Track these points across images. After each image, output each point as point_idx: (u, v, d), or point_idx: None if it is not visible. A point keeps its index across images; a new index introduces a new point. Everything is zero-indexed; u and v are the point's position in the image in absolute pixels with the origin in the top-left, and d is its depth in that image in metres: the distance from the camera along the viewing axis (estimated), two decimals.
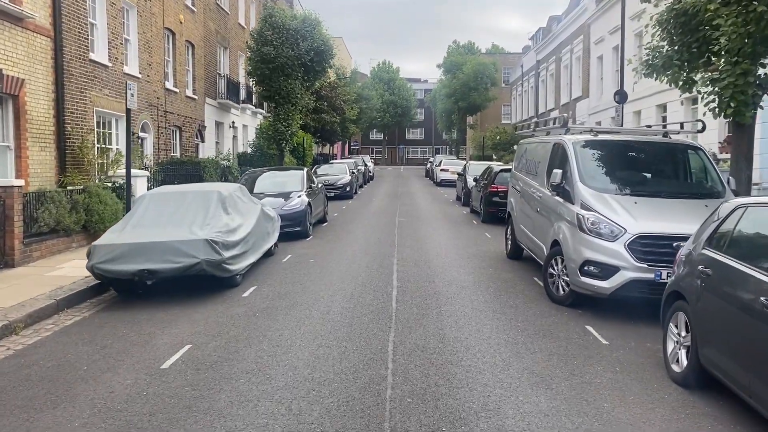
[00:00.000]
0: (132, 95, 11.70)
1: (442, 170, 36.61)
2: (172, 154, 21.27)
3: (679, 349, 5.48)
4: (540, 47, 44.63)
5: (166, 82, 20.84)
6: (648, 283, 7.20)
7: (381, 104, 69.92)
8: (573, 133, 9.54)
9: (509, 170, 18.29)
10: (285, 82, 24.46)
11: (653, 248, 7.22)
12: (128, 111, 11.87)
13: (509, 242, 11.89)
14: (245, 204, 10.69)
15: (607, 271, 7.40)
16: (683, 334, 5.45)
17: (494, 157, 38.46)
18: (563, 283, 8.20)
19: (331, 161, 36.44)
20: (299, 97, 25.22)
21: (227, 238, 8.98)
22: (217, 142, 26.94)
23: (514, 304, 8.22)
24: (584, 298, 7.88)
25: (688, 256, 5.71)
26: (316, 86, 34.57)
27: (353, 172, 29.11)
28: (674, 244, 7.14)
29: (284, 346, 6.40)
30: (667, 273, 7.09)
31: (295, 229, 14.13)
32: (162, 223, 9.14)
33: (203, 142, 24.73)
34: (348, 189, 26.98)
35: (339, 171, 28.28)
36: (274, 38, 23.92)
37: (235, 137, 29.68)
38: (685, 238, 7.10)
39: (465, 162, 39.42)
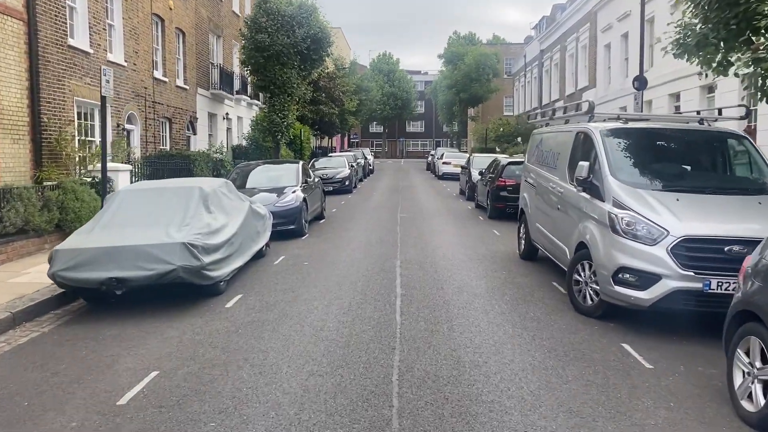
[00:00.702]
0: (108, 81, 10.62)
1: (444, 163, 35.55)
2: (161, 147, 20.20)
3: (753, 383, 4.44)
4: (544, 36, 43.44)
5: (155, 71, 19.74)
6: (695, 293, 6.16)
7: (381, 96, 68.76)
8: (598, 121, 8.48)
9: (518, 163, 17.28)
10: (280, 71, 23.33)
11: (701, 253, 6.17)
12: (103, 99, 10.80)
13: (522, 242, 10.85)
14: (231, 201, 9.64)
15: (646, 279, 6.35)
16: (758, 364, 4.42)
17: (497, 149, 37.35)
18: (591, 292, 7.16)
19: (330, 154, 35.34)
20: (295, 86, 24.10)
21: (208, 241, 7.94)
22: (210, 135, 25.85)
23: (535, 317, 7.18)
24: (615, 309, 6.85)
25: (760, 268, 4.66)
26: (313, 76, 33.49)
27: (352, 166, 28.05)
28: (726, 249, 6.12)
29: (268, 374, 5.36)
30: (718, 282, 6.07)
31: (289, 227, 13.09)
32: (135, 223, 8.09)
33: (195, 134, 23.65)
34: (347, 183, 25.92)
35: (338, 164, 27.23)
36: (269, 25, 22.78)
37: (229, 129, 28.58)
38: (738, 242, 6.09)
39: (468, 155, 38.41)
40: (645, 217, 6.51)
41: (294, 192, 13.62)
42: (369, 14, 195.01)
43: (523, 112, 46.74)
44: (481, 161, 23.11)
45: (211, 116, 26.08)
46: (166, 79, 20.46)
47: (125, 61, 17.37)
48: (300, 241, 12.89)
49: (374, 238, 13.19)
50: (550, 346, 6.10)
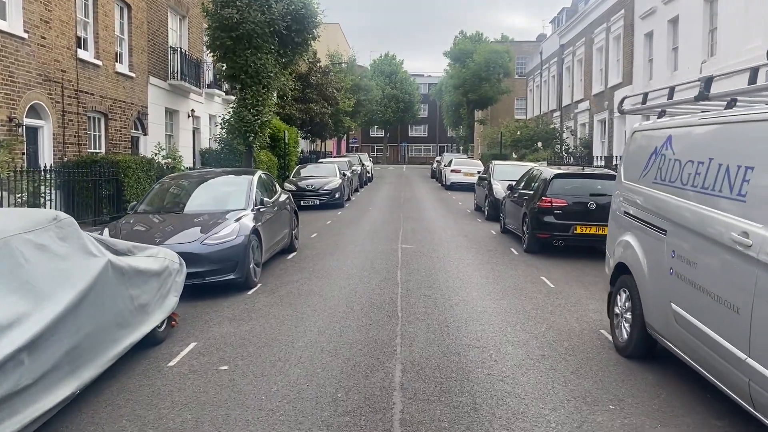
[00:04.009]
0: None
1: (453, 171, 30.70)
2: (90, 150, 15.41)
3: None
4: (564, 29, 38.65)
5: (80, 50, 14.97)
6: None
7: (382, 98, 64.04)
8: None
9: (572, 176, 12.45)
10: (253, 57, 18.55)
11: None
12: None
13: (625, 325, 6.01)
14: (55, 262, 4.75)
15: None
16: None
17: (514, 155, 32.55)
18: None
19: (320, 160, 30.49)
20: (272, 76, 19.32)
21: None
22: (169, 136, 21.06)
23: None
24: None
25: None
26: (302, 69, 28.77)
27: (344, 174, 23.21)
28: None
29: None
30: None
31: (225, 277, 8.28)
32: None
33: (146, 134, 18.84)
34: (337, 196, 21.10)
35: (327, 173, 22.43)
36: None
37: (196, 130, 23.78)
38: None
39: (480, 162, 33.57)
40: None
41: (238, 221, 8.80)
42: (371, 17, 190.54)
43: (540, 114, 41.96)
44: (506, 171, 18.29)
45: (171, 113, 21.29)
46: (98, 62, 15.68)
47: (26, 31, 12.61)
48: (240, 301, 8.07)
49: (362, 297, 8.34)
50: None
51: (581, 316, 7.44)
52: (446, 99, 57.01)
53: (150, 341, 6.10)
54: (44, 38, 13.32)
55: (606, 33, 30.84)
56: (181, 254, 7.72)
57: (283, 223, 11.11)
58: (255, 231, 8.99)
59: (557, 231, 11.36)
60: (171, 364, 5.72)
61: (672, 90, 5.62)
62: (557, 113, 38.42)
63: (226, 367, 5.59)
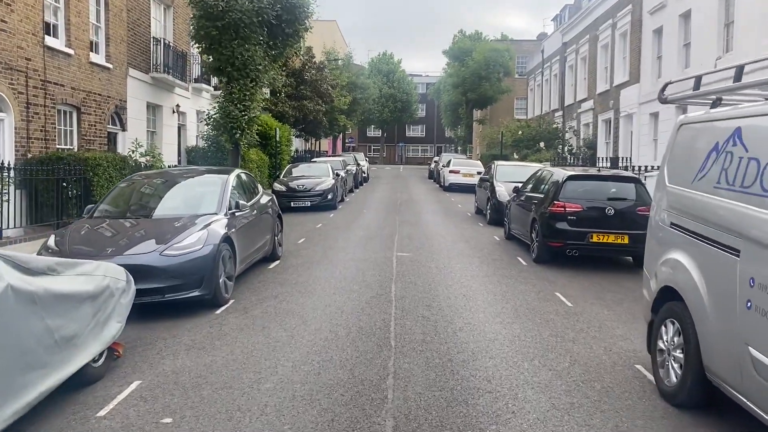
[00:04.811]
0: None
1: (451, 172, 29.46)
2: (59, 146, 14.17)
3: None
4: (567, 27, 37.48)
5: (49, 37, 13.72)
6: None
7: (379, 97, 62.83)
8: None
9: (584, 177, 11.25)
10: (240, 48, 17.33)
11: None
12: None
13: (675, 364, 4.79)
14: None
15: None
16: None
17: (516, 155, 31.34)
18: None
19: (314, 159, 29.21)
20: (261, 69, 18.09)
21: None
22: (152, 132, 19.82)
23: None
24: None
25: None
26: (295, 65, 27.55)
27: (338, 175, 21.98)
28: None
29: None
30: None
31: (188, 294, 7.05)
32: None
33: (124, 130, 17.58)
34: (329, 197, 19.85)
35: (319, 172, 21.18)
36: None
37: (182, 126, 22.52)
38: None
39: (480, 161, 32.37)
40: None
41: (206, 227, 7.57)
42: (369, 18, 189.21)
43: (541, 114, 40.78)
44: (509, 172, 17.09)
45: (154, 108, 20.03)
46: (70, 51, 14.42)
47: None
48: (205, 323, 6.84)
49: (349, 320, 7.11)
50: None
51: (609, 346, 6.24)
52: (445, 98, 55.76)
53: (83, 379, 4.90)
54: (4, 21, 12.07)
55: (612, 30, 29.70)
56: (137, 267, 6.58)
57: (263, 229, 9.88)
58: (227, 239, 7.77)
59: (571, 239, 10.16)
60: (101, 413, 4.50)
61: (740, 70, 4.42)
62: (559, 113, 37.24)
63: (169, 420, 4.37)
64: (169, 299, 6.94)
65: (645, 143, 25.54)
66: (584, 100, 33.05)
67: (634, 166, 18.06)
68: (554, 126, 34.38)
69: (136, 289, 6.60)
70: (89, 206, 8.71)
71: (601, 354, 5.98)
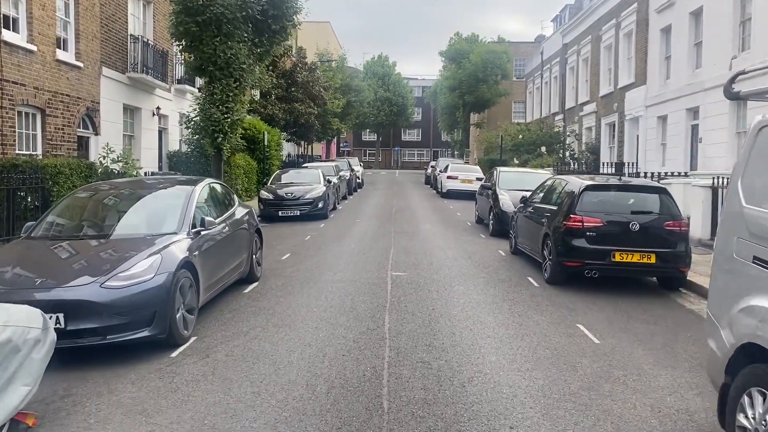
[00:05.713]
0: None
1: (449, 177, 28.19)
2: (19, 152, 12.85)
3: None
4: (568, 28, 36.34)
5: (6, 31, 12.42)
6: None
7: (374, 100, 61.58)
8: None
9: (604, 188, 9.98)
10: (222, 45, 16.05)
11: None
12: None
13: None
14: None
15: None
16: None
17: (516, 160, 30.09)
18: None
19: (304, 165, 27.90)
20: (246, 69, 16.81)
21: None
22: (129, 136, 18.51)
23: None
24: None
25: None
26: (286, 66, 26.28)
27: (329, 181, 20.69)
28: None
29: None
30: None
31: (135, 334, 5.74)
32: None
33: (97, 134, 16.27)
34: (320, 205, 18.56)
35: (309, 179, 19.88)
36: None
37: (163, 130, 21.21)
38: None
39: (494, 169, 31.05)
40: None
41: (161, 251, 6.27)
42: (364, 22, 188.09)
43: (540, 117, 39.56)
44: (512, 179, 15.85)
45: (132, 110, 18.72)
46: (32, 47, 13.12)
47: None
48: (154, 371, 5.53)
49: (332, 367, 5.81)
50: None
51: (655, 403, 4.97)
52: (441, 101, 54.55)
53: None
54: None
55: (616, 29, 28.54)
56: (72, 303, 5.34)
57: (238, 248, 8.58)
58: (187, 264, 6.47)
59: (590, 258, 8.89)
60: None
61: None
62: (560, 116, 36.06)
63: None
64: (111, 342, 5.65)
65: (652, 148, 24.37)
66: (586, 103, 31.88)
67: (653, 173, 16.80)
68: (555, 130, 33.16)
69: (71, 331, 5.42)
70: (28, 224, 7.39)
71: (647, 415, 4.73)
